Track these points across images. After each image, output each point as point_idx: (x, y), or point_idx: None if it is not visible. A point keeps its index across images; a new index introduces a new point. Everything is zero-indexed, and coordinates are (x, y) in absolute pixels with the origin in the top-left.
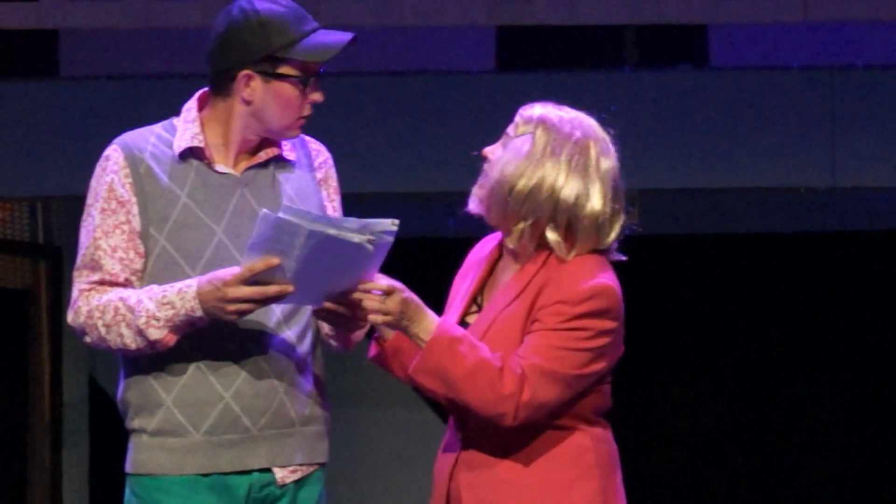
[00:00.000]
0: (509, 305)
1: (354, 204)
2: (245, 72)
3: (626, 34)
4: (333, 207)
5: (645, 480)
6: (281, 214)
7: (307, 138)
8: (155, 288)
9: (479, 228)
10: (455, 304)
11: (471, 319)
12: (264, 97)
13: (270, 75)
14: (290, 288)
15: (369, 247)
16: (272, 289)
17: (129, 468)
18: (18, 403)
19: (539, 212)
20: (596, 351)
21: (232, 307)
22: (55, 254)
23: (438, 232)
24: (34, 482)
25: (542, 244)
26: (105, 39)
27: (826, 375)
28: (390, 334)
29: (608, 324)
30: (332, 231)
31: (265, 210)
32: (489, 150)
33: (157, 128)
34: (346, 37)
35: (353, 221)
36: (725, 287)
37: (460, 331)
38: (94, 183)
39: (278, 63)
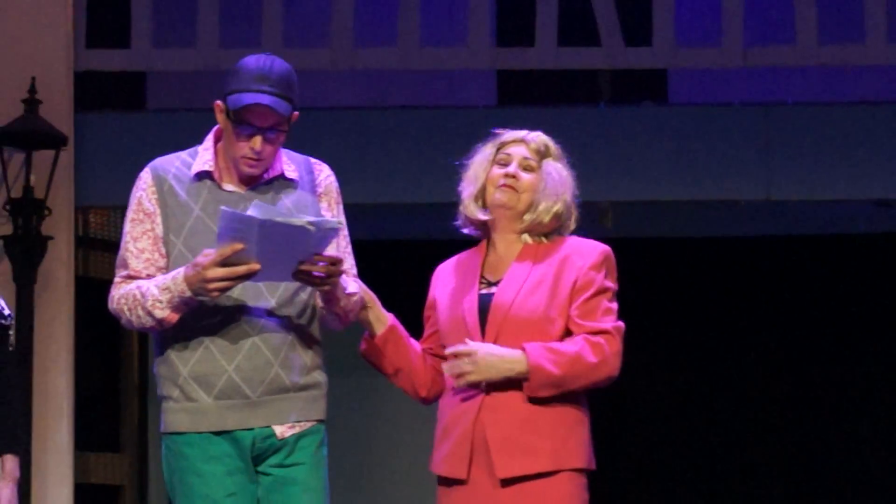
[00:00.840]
0: (533, 267)
1: (375, 212)
2: (217, 102)
3: (602, 77)
4: (332, 214)
5: None
6: (229, 210)
7: (312, 160)
8: (160, 277)
9: None
10: (464, 290)
11: (485, 291)
12: (224, 130)
13: (226, 113)
14: (257, 266)
15: (311, 227)
16: (241, 268)
17: (161, 428)
18: (112, 369)
19: (566, 224)
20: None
21: (212, 286)
22: None
23: (448, 235)
24: (125, 433)
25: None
26: (183, 78)
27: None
28: (379, 330)
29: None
30: (278, 219)
31: (223, 207)
32: (521, 175)
33: (184, 154)
34: (265, 100)
35: (306, 218)
36: (681, 280)
37: (535, 349)
38: (130, 197)
39: (228, 108)
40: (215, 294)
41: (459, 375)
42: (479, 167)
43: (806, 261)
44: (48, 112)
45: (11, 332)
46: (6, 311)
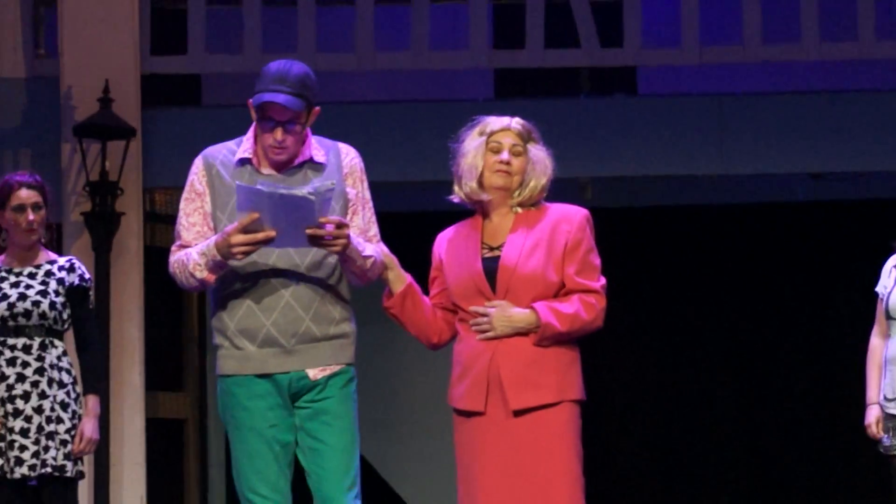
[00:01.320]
0: (529, 233)
1: (395, 189)
2: (249, 100)
3: (582, 73)
4: (357, 191)
5: None
6: (243, 184)
7: (340, 144)
8: (200, 244)
9: None
10: (467, 255)
11: (488, 255)
12: (257, 126)
13: (257, 111)
14: (273, 233)
15: (311, 197)
16: (259, 235)
17: (216, 371)
18: (175, 322)
19: (543, 194)
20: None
21: (235, 250)
22: None
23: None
24: (187, 375)
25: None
26: (232, 78)
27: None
28: (399, 288)
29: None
30: (282, 191)
31: (238, 182)
32: (513, 160)
33: (231, 143)
34: (278, 98)
35: (305, 187)
36: (650, 242)
37: (543, 308)
38: (186, 180)
39: (258, 107)
40: (240, 257)
41: (482, 331)
42: (475, 155)
43: (753, 225)
44: (119, 109)
45: (91, 293)
46: (87, 276)
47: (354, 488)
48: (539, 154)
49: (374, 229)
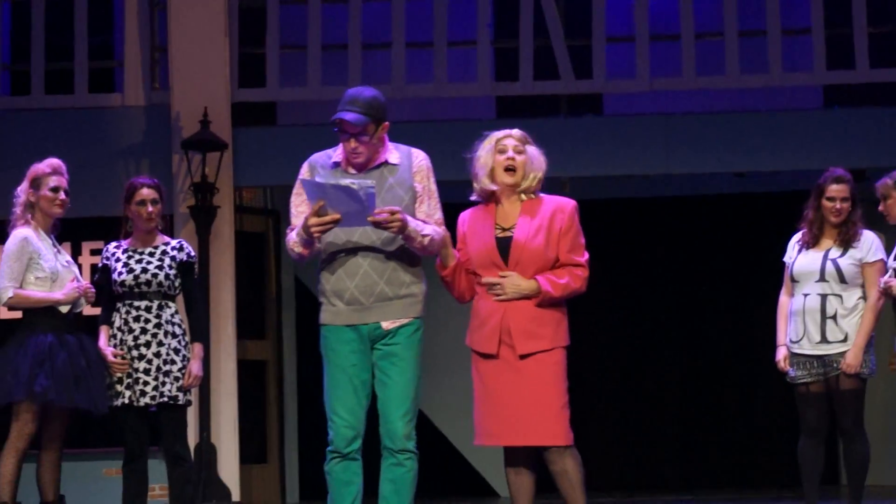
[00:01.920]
0: (533, 219)
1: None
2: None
3: (561, 99)
4: (423, 187)
5: None
6: (307, 180)
7: (412, 149)
8: (297, 227)
9: None
10: (484, 233)
11: (501, 235)
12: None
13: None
14: (338, 216)
15: (353, 186)
16: (327, 218)
17: (320, 322)
18: (258, 287)
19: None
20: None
21: (312, 230)
22: (275, 213)
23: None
24: (268, 326)
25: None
26: (300, 104)
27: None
28: (451, 262)
29: None
30: (331, 182)
31: (302, 178)
32: (516, 157)
33: (332, 150)
34: (346, 116)
35: (349, 180)
36: (615, 225)
37: (543, 279)
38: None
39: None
40: (317, 235)
41: (496, 294)
42: (486, 157)
43: (691, 212)
44: (215, 128)
45: (196, 267)
46: (192, 254)
47: (409, 415)
48: (535, 152)
49: (438, 215)
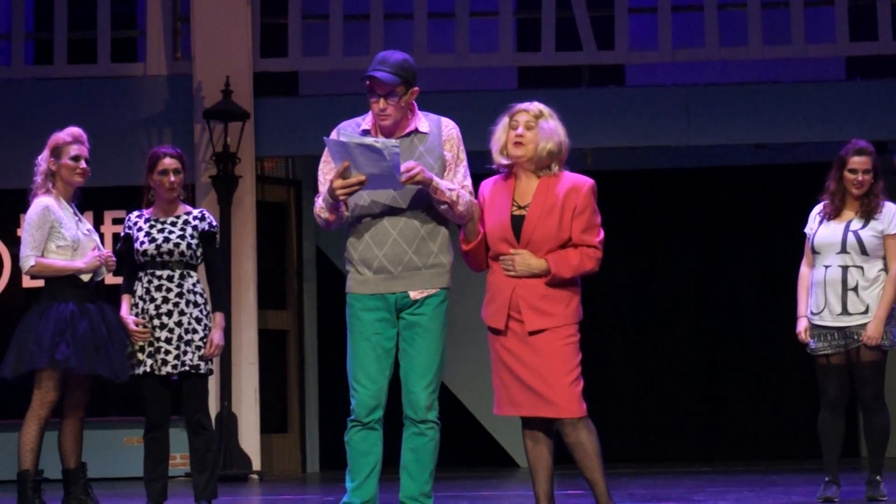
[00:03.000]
0: (547, 198)
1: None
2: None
3: (583, 69)
4: (452, 155)
5: None
6: (329, 139)
7: (442, 118)
8: (323, 192)
9: None
10: (501, 209)
11: (516, 212)
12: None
13: (368, 87)
14: (363, 177)
15: (377, 144)
16: (352, 180)
17: (346, 290)
18: (279, 257)
19: (562, 153)
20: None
21: (338, 192)
22: (297, 183)
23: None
24: (289, 296)
25: (547, 173)
26: (321, 75)
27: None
28: (474, 237)
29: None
30: (356, 140)
31: (325, 137)
32: (524, 133)
33: (359, 118)
34: (377, 74)
35: (375, 139)
36: (638, 194)
37: (553, 259)
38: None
39: (366, 80)
40: (343, 197)
41: (507, 269)
42: (501, 132)
43: (711, 183)
44: (237, 98)
45: (217, 237)
46: (214, 223)
47: (432, 385)
48: (547, 125)
49: (468, 182)
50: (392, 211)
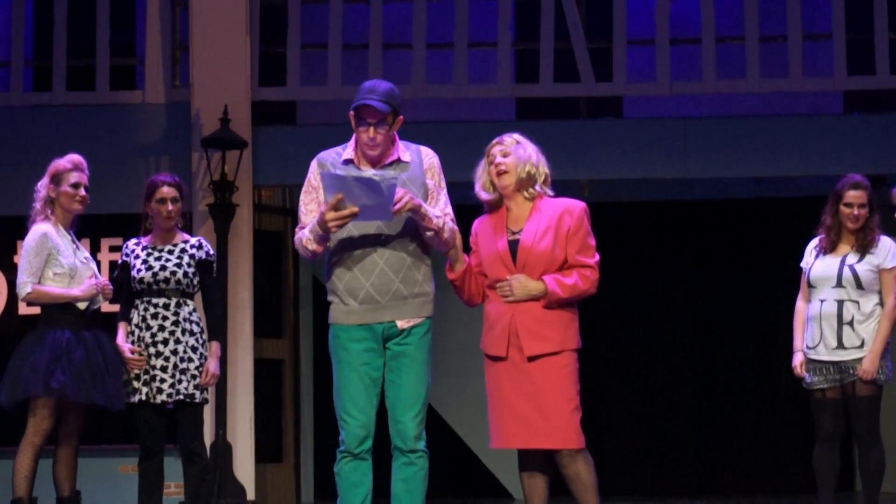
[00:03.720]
0: (541, 221)
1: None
2: (350, 112)
3: (581, 101)
4: (433, 183)
5: None
6: (326, 172)
7: (421, 147)
8: (310, 223)
9: None
10: (496, 237)
11: (511, 238)
12: (354, 128)
13: (354, 116)
14: (356, 209)
15: (376, 178)
16: (345, 211)
17: (329, 321)
18: (276, 286)
19: (539, 178)
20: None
21: (330, 224)
22: (294, 213)
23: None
24: (285, 325)
25: (534, 195)
26: (320, 104)
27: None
28: (460, 266)
29: None
30: (354, 174)
31: (322, 171)
32: (503, 161)
33: (338, 148)
34: (372, 103)
35: (374, 173)
36: (633, 223)
37: (550, 280)
38: (305, 178)
39: (355, 111)
40: (334, 229)
41: (505, 295)
42: (481, 171)
43: (708, 215)
44: (235, 126)
45: (214, 265)
46: (211, 252)
47: (420, 415)
48: (521, 148)
49: (449, 210)
50: (378, 240)
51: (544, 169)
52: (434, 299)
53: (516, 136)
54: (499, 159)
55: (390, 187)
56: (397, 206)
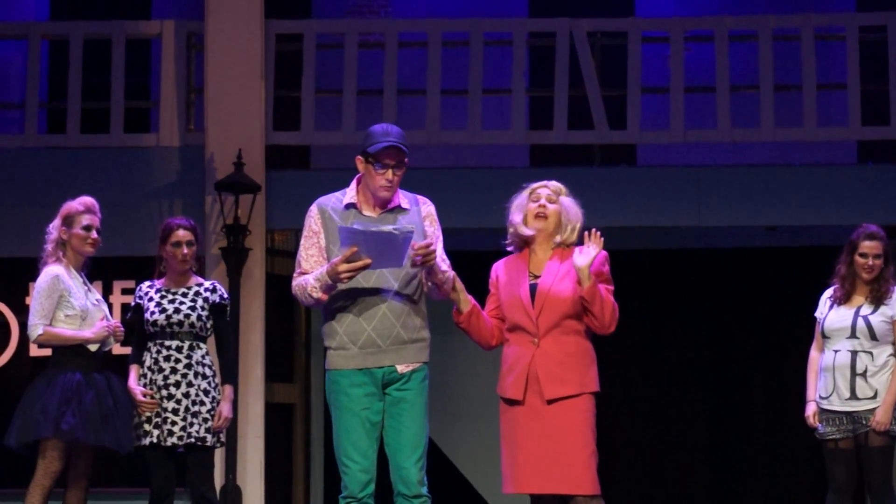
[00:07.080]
0: (561, 265)
1: (454, 234)
2: (358, 157)
3: (595, 148)
4: (432, 231)
5: None
6: (344, 226)
7: (419, 196)
8: (315, 271)
9: None
10: (518, 281)
11: (532, 281)
12: (365, 172)
13: (366, 160)
14: (369, 261)
15: (395, 233)
16: (358, 263)
17: (325, 366)
18: (288, 330)
19: (573, 237)
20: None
21: (342, 276)
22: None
23: (494, 247)
24: (296, 370)
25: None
26: (334, 148)
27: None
28: (466, 307)
29: None
30: (372, 228)
31: (340, 225)
32: (547, 206)
33: (338, 193)
34: (397, 144)
35: (389, 227)
36: (646, 271)
37: (598, 296)
38: (304, 222)
39: (368, 155)
40: (345, 280)
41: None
42: (521, 204)
43: (722, 264)
44: (249, 170)
45: (228, 308)
46: (225, 296)
47: (422, 460)
48: (570, 203)
49: (446, 257)
50: (381, 285)
51: (580, 227)
52: (430, 345)
53: (561, 185)
54: (543, 201)
55: (406, 240)
56: (422, 259)
